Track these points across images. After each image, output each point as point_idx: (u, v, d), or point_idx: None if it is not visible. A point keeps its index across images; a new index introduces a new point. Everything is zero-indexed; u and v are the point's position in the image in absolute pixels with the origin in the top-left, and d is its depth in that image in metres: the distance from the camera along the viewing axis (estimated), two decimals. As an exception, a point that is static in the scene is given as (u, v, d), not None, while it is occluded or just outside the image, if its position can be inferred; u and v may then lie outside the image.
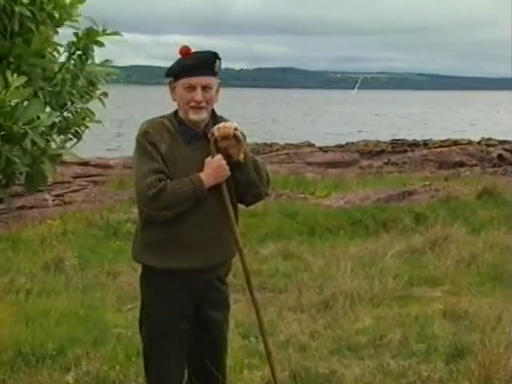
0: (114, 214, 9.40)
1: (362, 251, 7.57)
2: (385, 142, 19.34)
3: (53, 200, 11.23)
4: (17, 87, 2.81)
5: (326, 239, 8.88)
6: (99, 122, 3.52)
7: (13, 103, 2.93)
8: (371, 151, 18.44)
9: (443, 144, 18.29)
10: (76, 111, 3.43)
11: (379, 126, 45.40)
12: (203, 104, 2.81)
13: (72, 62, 3.34)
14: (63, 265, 6.87)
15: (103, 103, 3.51)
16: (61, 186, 12.35)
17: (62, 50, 3.33)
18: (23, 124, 2.89)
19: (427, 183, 12.21)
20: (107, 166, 15.62)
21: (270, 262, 7.30)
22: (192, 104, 2.80)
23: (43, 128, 3.03)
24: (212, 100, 2.85)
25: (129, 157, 17.53)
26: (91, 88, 3.41)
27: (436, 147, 18.02)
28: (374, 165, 17.18)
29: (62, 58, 3.35)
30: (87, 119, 3.46)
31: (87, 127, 3.50)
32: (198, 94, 2.79)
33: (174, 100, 2.88)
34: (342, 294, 5.54)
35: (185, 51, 2.81)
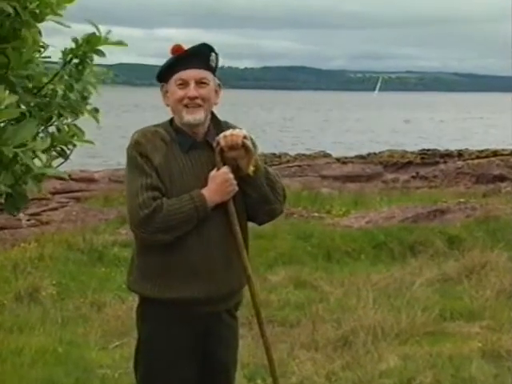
0: (98, 236, 9.41)
1: (387, 279, 7.54)
2: (412, 153, 19.36)
3: (27, 220, 11.26)
4: (6, 106, 2.79)
5: (344, 265, 8.86)
6: (91, 142, 3.50)
7: (1, 123, 2.92)
8: (397, 163, 18.45)
9: (481, 155, 18.29)
10: (63, 127, 3.42)
11: (405, 133, 45.43)
12: (198, 101, 2.81)
13: (67, 71, 3.32)
14: (39, 295, 6.87)
15: (97, 119, 3.50)
16: (37, 204, 12.39)
17: (46, 52, 3.33)
18: (14, 147, 2.85)
19: (462, 200, 12.17)
20: (91, 180, 15.69)
21: (279, 290, 7.28)
22: (185, 102, 2.81)
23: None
24: (209, 98, 2.86)
25: (116, 169, 17.63)
26: (82, 102, 3.41)
27: (472, 158, 18.02)
28: (399, 179, 17.17)
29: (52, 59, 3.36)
30: (75, 137, 3.44)
31: (75, 146, 3.49)
32: (192, 89, 2.81)
33: (168, 105, 2.91)
34: (363, 329, 5.52)
35: (176, 49, 2.84)
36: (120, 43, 3.33)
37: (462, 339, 5.67)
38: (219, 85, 2.94)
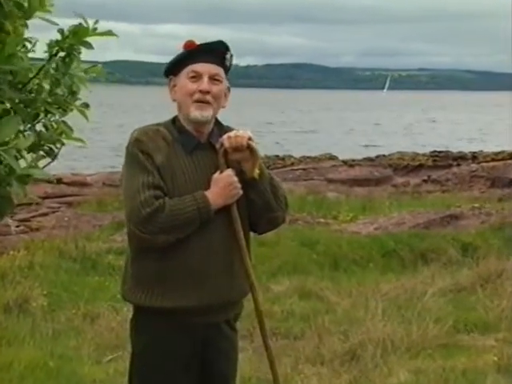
0: (92, 243, 9.42)
1: (397, 289, 7.54)
2: (424, 155, 19.36)
3: (16, 226, 11.26)
4: None
5: (351, 274, 8.86)
6: (82, 140, 3.48)
7: None
8: (407, 166, 18.45)
9: (496, 157, 18.27)
10: (51, 125, 3.40)
11: (416, 135, 45.43)
12: (209, 98, 2.83)
13: (53, 65, 3.28)
14: (29, 306, 6.87)
15: (86, 117, 3.48)
16: (26, 209, 12.42)
17: (29, 46, 3.32)
18: None
19: (477, 205, 12.16)
20: (83, 184, 15.72)
21: (283, 301, 7.28)
22: (196, 96, 2.83)
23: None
24: (220, 97, 2.88)
25: (110, 172, 17.65)
26: (70, 97, 3.38)
27: (487, 161, 18.01)
28: (410, 182, 17.17)
29: (35, 55, 3.34)
30: (64, 136, 3.42)
31: (63, 144, 3.47)
32: (205, 83, 2.83)
33: (174, 100, 2.92)
34: (372, 342, 5.52)
35: (190, 44, 2.87)
36: (109, 34, 3.28)
37: (476, 352, 5.66)
38: (228, 88, 2.96)
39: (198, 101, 2.83)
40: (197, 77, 2.84)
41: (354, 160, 19.31)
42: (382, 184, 17.14)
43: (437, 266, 8.77)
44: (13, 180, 3.05)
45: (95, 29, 3.24)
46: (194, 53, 2.84)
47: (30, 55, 3.30)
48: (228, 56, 2.89)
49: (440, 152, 19.85)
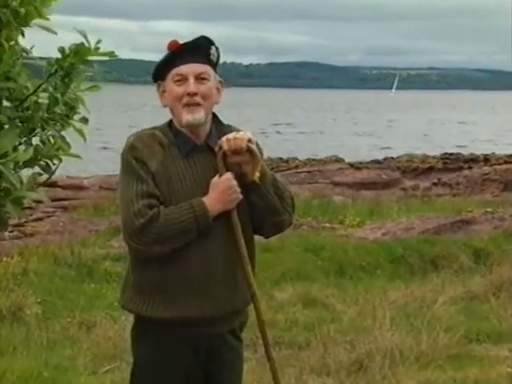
0: (88, 249, 9.42)
1: (405, 297, 7.54)
2: (434, 157, 19.39)
3: (10, 231, 11.26)
4: None
5: (358, 281, 8.85)
6: (78, 156, 3.48)
7: None
8: (416, 168, 18.47)
9: (509, 159, 18.31)
10: (48, 139, 3.36)
11: (426, 136, 45.43)
12: (198, 99, 2.82)
13: (52, 83, 3.27)
14: (23, 314, 6.87)
15: (84, 136, 3.44)
16: (20, 213, 12.41)
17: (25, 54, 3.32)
18: None
19: (489, 210, 12.15)
20: (80, 188, 15.75)
21: (287, 309, 7.28)
22: (185, 100, 2.82)
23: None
24: (210, 96, 2.87)
25: (107, 175, 17.67)
26: (69, 111, 3.37)
27: (500, 163, 18.02)
28: (420, 186, 17.18)
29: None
30: (61, 151, 3.41)
31: (61, 160, 3.47)
32: (191, 85, 2.82)
33: (165, 106, 2.92)
34: (380, 353, 5.51)
35: (173, 44, 2.86)
36: (111, 54, 3.31)
37: (488, 363, 5.65)
38: (221, 82, 2.95)
39: (187, 104, 2.82)
40: (182, 80, 2.83)
41: (361, 162, 19.34)
42: (390, 187, 17.15)
43: (447, 274, 8.76)
44: (8, 202, 3.05)
45: (97, 48, 3.27)
46: (177, 54, 2.83)
47: (25, 61, 3.31)
48: (213, 51, 2.87)
49: (451, 154, 19.88)
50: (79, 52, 3.24)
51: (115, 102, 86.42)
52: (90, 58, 3.28)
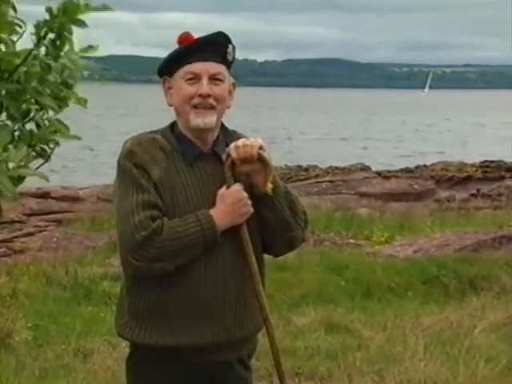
0: (84, 268, 9.45)
1: (440, 322, 7.51)
2: (472, 165, 19.33)
3: (-3, 247, 11.33)
4: None
5: (387, 304, 8.84)
6: (77, 137, 3.46)
7: None
8: (452, 178, 18.43)
9: (558, 168, 18.22)
10: (44, 123, 3.37)
11: (464, 142, 45.30)
12: (211, 101, 2.82)
13: (42, 48, 3.24)
14: (12, 340, 6.89)
15: (84, 103, 3.41)
16: (9, 228, 12.49)
17: (21, 30, 3.32)
18: None
19: (535, 224, 12.13)
20: (75, 199, 15.82)
21: (307, 336, 7.28)
22: (195, 101, 2.81)
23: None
24: (224, 99, 2.87)
25: (106, 185, 17.72)
26: (64, 90, 3.36)
27: (548, 172, 17.96)
28: (456, 197, 17.14)
29: (25, 45, 3.33)
30: (58, 134, 3.41)
31: (58, 144, 3.47)
32: (204, 86, 2.81)
33: (170, 105, 2.91)
34: (412, 384, 5.49)
35: (185, 37, 2.85)
36: (105, 8, 3.24)
37: (535, 397, 5.62)
38: (234, 84, 2.95)
39: (198, 106, 2.82)
40: (195, 78, 2.82)
41: (389, 171, 19.33)
42: (422, 199, 17.13)
43: (488, 296, 8.74)
44: (2, 178, 3.01)
45: (87, 4, 3.21)
46: (190, 50, 2.82)
47: (19, 44, 3.31)
48: (230, 50, 2.88)
49: (491, 162, 19.80)
50: (68, 10, 3.19)
51: (116, 103, 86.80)
52: (82, 16, 3.21)
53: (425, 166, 20.19)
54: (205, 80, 2.82)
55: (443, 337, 6.91)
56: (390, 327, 7.39)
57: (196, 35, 2.86)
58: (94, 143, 35.18)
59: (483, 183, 17.95)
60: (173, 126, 2.92)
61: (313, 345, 6.97)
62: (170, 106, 2.92)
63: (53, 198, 15.26)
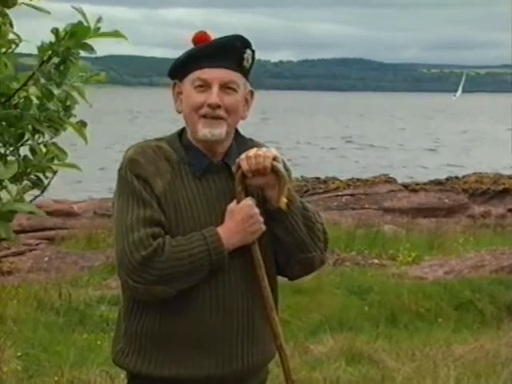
0: (79, 290, 9.46)
1: (474, 351, 7.50)
2: (510, 177, 19.27)
3: (-17, 268, 11.36)
4: None
5: (415, 331, 8.83)
6: (77, 167, 3.43)
7: None
8: (487, 191, 18.39)
9: None
10: (39, 148, 3.33)
11: (503, 152, 45.20)
12: (220, 112, 2.79)
13: (44, 73, 3.20)
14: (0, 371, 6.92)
15: (84, 137, 3.38)
16: (-4, 247, 12.50)
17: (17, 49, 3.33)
18: None
19: None
20: (69, 214, 15.83)
21: (326, 366, 7.27)
22: (203, 111, 2.79)
23: None
24: (236, 110, 2.84)
25: (103, 199, 17.76)
26: (63, 113, 3.34)
27: None
28: (492, 212, 17.10)
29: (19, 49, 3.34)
30: (55, 161, 3.39)
31: (55, 173, 3.43)
32: (214, 94, 2.78)
33: (180, 112, 2.89)
34: (443, 421, 5.49)
35: (200, 37, 2.84)
36: (117, 34, 3.25)
37: None
38: (251, 92, 2.93)
39: (206, 116, 2.79)
40: (204, 86, 2.80)
41: (417, 183, 19.30)
42: (454, 214, 17.11)
43: (527, 322, 8.72)
44: None
45: (98, 28, 3.20)
46: (201, 54, 2.80)
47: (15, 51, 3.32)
48: (247, 55, 2.85)
49: (531, 173, 19.76)
50: (77, 33, 3.17)
51: (115, 110, 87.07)
52: (90, 40, 3.20)
53: (457, 177, 20.14)
54: (215, 88, 2.79)
55: (477, 368, 6.88)
56: (418, 357, 7.37)
57: (213, 35, 2.84)
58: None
59: (522, 197, 17.93)
60: (181, 134, 2.90)
61: (332, 376, 6.96)
62: (179, 112, 2.90)
63: (45, 212, 15.28)
